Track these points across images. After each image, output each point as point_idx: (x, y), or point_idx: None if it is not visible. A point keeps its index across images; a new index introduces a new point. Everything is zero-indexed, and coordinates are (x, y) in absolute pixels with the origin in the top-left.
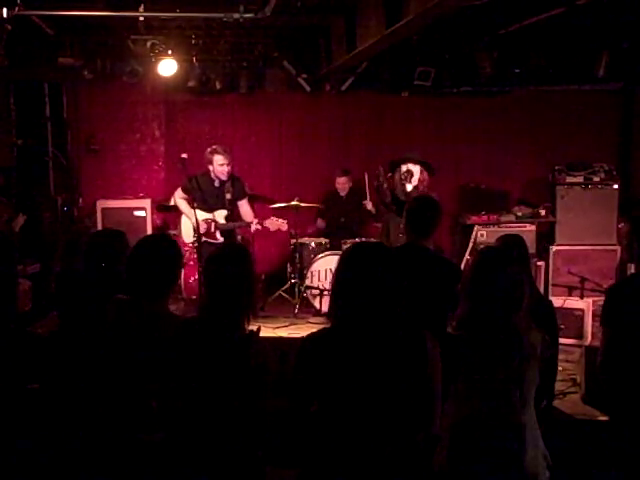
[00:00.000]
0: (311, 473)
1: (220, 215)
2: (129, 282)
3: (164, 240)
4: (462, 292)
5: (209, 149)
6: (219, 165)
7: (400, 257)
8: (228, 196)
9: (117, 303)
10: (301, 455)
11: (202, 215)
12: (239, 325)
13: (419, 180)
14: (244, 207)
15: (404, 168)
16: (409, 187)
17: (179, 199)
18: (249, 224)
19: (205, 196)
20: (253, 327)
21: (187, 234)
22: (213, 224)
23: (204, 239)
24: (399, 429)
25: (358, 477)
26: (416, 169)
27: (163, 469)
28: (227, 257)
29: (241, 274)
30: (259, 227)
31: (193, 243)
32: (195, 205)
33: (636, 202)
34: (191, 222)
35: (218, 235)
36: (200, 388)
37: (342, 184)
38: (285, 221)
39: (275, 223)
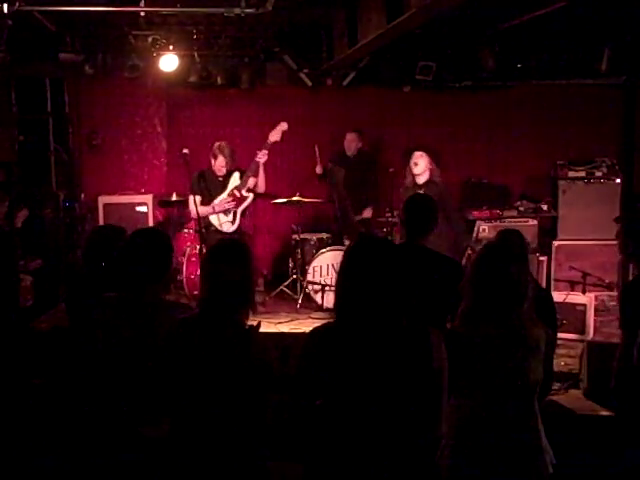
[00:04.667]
0: (316, 468)
1: (234, 181)
2: (122, 276)
3: (152, 233)
4: (465, 287)
5: (217, 144)
6: (219, 164)
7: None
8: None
9: (106, 300)
10: (306, 450)
11: (220, 197)
12: (239, 320)
13: (426, 168)
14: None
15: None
16: (420, 179)
17: (198, 206)
18: (257, 162)
19: (211, 191)
20: (253, 322)
21: (226, 220)
22: (236, 190)
23: (239, 209)
24: (404, 425)
25: (363, 472)
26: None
27: (165, 464)
28: (225, 252)
29: (239, 269)
30: (266, 151)
31: (232, 223)
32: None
33: (638, 197)
34: (217, 212)
35: (244, 193)
36: (200, 383)
37: (349, 141)
38: (281, 122)
39: (276, 132)
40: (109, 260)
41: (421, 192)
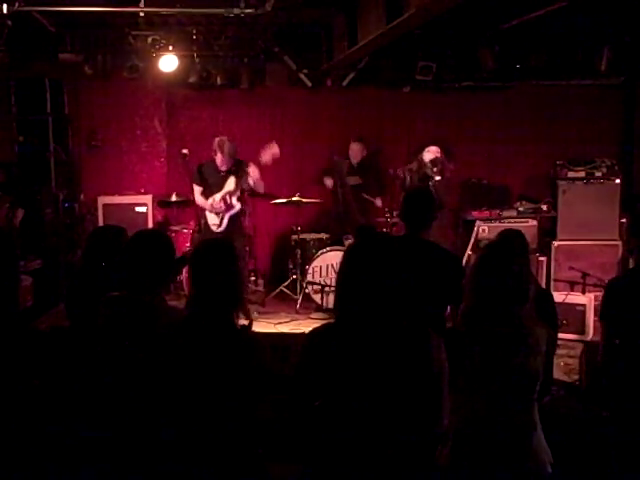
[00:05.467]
0: (315, 468)
1: (230, 183)
2: (124, 277)
3: (156, 235)
4: (467, 287)
5: (218, 140)
6: (219, 161)
7: (399, 248)
8: (232, 168)
9: (110, 300)
10: (305, 450)
11: (216, 197)
12: (228, 320)
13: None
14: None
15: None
16: (437, 177)
17: (198, 195)
18: (249, 176)
19: (210, 185)
20: (245, 322)
21: (213, 223)
22: (227, 196)
23: (226, 215)
24: (404, 425)
25: (362, 472)
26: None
27: (164, 466)
28: (210, 252)
29: (224, 268)
30: (256, 169)
31: (218, 226)
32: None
33: (638, 197)
34: (208, 210)
35: (234, 201)
36: (193, 385)
37: (355, 151)
38: (273, 144)
39: (267, 153)
40: (109, 260)
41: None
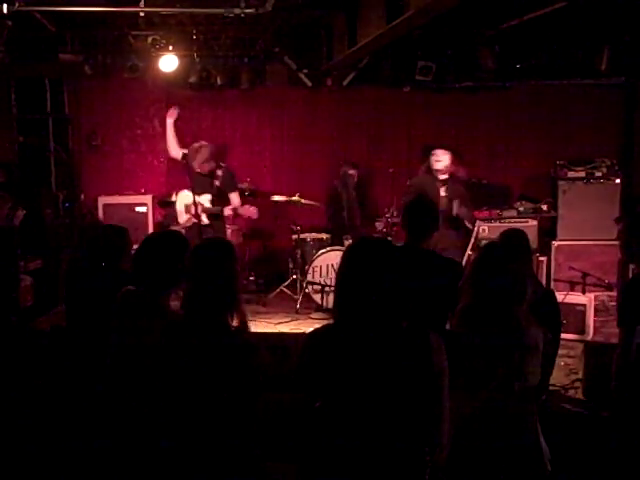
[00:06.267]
0: (312, 468)
1: (205, 199)
2: (135, 275)
3: (172, 236)
4: (464, 286)
5: (189, 148)
6: (196, 164)
7: (399, 257)
8: (216, 183)
9: (126, 294)
10: (303, 450)
11: (189, 197)
12: (224, 321)
13: (446, 167)
14: (234, 200)
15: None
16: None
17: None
18: (224, 209)
19: (193, 181)
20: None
21: (180, 214)
22: (200, 207)
23: (192, 220)
24: (403, 427)
25: (360, 473)
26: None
27: (162, 466)
28: (208, 252)
29: (222, 269)
30: (231, 213)
31: (185, 222)
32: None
33: (637, 197)
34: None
35: (204, 218)
36: (187, 386)
37: (352, 176)
38: (257, 209)
39: (248, 210)
40: (111, 260)
41: (442, 189)
